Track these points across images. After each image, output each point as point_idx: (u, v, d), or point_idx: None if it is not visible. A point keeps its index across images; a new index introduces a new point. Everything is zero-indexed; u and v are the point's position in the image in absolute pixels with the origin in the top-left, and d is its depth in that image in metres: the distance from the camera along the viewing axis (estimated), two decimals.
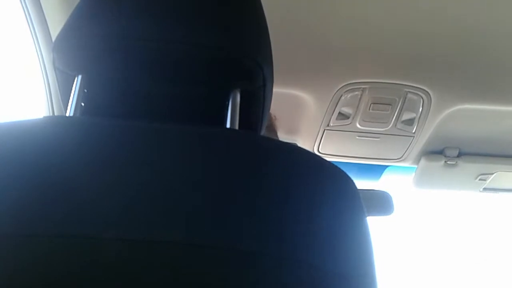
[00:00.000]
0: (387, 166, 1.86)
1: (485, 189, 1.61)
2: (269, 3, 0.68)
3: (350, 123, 1.37)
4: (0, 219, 0.39)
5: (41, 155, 0.44)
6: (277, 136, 1.19)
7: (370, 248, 0.47)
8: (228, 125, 0.55)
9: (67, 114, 0.54)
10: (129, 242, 0.39)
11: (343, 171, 0.51)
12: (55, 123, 0.49)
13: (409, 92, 1.26)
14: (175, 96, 0.58)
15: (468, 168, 1.52)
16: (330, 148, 1.50)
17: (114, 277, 0.38)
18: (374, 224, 1.49)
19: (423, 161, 1.51)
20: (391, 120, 1.34)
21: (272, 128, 1.15)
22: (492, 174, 1.53)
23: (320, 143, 1.47)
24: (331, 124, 1.38)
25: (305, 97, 1.29)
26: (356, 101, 1.29)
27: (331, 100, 1.29)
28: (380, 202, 1.44)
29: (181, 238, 0.40)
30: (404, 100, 1.28)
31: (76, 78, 0.55)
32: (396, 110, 1.31)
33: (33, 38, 1.01)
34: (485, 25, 1.05)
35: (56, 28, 1.00)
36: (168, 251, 0.39)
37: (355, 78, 1.23)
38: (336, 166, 0.51)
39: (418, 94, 1.26)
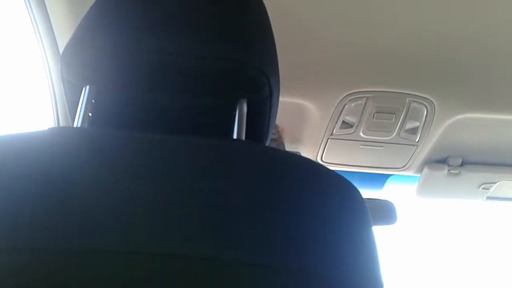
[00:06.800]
0: (390, 175, 1.86)
1: (488, 198, 1.60)
2: (274, 13, 0.69)
3: (353, 132, 1.37)
4: (2, 232, 0.39)
5: (47, 166, 0.44)
6: (284, 148, 1.18)
7: (376, 258, 0.47)
8: (234, 136, 0.55)
9: (75, 125, 0.54)
10: (132, 255, 0.39)
11: (348, 181, 0.51)
12: (61, 134, 0.49)
13: (413, 101, 1.26)
14: (182, 106, 0.58)
15: (471, 177, 1.51)
16: (333, 157, 1.50)
17: None
18: (378, 233, 1.48)
19: (426, 170, 1.51)
20: (395, 129, 1.35)
21: (280, 141, 1.15)
22: (495, 183, 1.53)
23: (323, 152, 1.47)
24: (335, 133, 1.38)
25: (309, 106, 1.30)
26: (360, 110, 1.30)
27: (335, 109, 1.29)
28: (383, 212, 1.44)
29: (185, 251, 0.40)
30: (408, 109, 1.28)
31: (84, 89, 0.55)
32: (399, 119, 1.31)
33: (40, 49, 1.01)
34: (487, 34, 1.06)
35: (63, 39, 1.01)
36: (171, 264, 0.39)
37: (359, 87, 1.23)
38: (341, 176, 0.51)
39: (422, 103, 1.26)
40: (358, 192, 0.51)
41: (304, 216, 0.44)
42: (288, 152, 0.51)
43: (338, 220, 0.46)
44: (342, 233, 0.45)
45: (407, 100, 1.26)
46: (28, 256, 0.38)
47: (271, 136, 0.65)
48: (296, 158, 0.50)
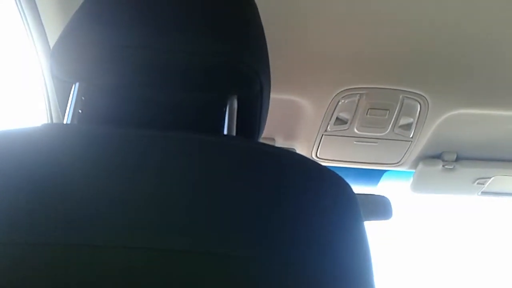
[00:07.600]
0: (385, 171, 1.86)
1: (483, 193, 1.61)
2: (266, 9, 0.69)
3: (347, 128, 1.37)
4: (0, 226, 0.39)
5: (39, 163, 0.44)
6: None
7: (367, 254, 0.47)
8: (225, 131, 0.55)
9: (65, 122, 0.54)
10: (128, 250, 0.39)
11: (340, 176, 0.51)
12: (53, 131, 0.49)
13: (406, 97, 1.26)
14: (172, 102, 0.58)
15: (466, 172, 1.52)
16: (328, 153, 1.50)
17: (114, 284, 0.38)
18: (373, 228, 1.49)
19: (421, 166, 1.52)
20: (389, 125, 1.35)
21: None
22: (490, 178, 1.53)
23: (318, 148, 1.47)
24: (329, 129, 1.38)
25: (303, 102, 1.30)
26: (354, 107, 1.30)
27: (329, 105, 1.30)
28: (378, 207, 1.44)
29: (180, 246, 0.40)
30: (401, 105, 1.28)
31: (73, 86, 0.55)
32: (393, 115, 1.32)
33: (31, 46, 1.01)
34: (481, 30, 1.06)
35: (54, 36, 1.01)
36: (166, 258, 0.39)
37: (353, 83, 1.24)
38: (333, 172, 0.51)
39: (415, 99, 1.27)
40: (349, 187, 0.52)
41: (293, 211, 0.44)
42: (277, 147, 0.51)
43: (328, 215, 0.46)
44: (332, 227, 0.46)
45: (401, 97, 1.26)
46: (26, 250, 0.38)
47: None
48: (286, 153, 0.50)
